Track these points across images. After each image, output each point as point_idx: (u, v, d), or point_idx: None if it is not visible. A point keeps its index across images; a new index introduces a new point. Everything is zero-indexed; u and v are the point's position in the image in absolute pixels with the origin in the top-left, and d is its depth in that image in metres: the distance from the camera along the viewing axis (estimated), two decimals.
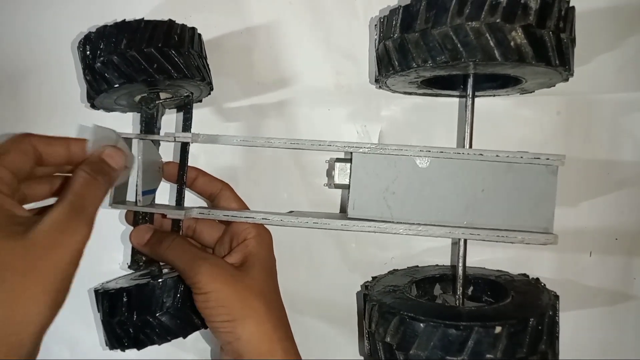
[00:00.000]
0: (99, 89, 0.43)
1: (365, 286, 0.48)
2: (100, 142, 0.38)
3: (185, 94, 0.48)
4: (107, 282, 0.48)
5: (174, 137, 0.44)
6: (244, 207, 0.47)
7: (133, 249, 0.45)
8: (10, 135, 0.35)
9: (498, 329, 0.37)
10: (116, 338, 0.44)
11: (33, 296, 0.28)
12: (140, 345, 0.44)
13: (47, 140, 0.36)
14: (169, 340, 0.45)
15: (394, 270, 0.52)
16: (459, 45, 0.37)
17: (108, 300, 0.44)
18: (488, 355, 0.37)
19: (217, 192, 0.47)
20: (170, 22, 0.44)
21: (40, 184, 0.39)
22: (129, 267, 0.45)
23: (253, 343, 0.38)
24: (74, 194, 0.33)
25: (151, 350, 0.46)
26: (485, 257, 0.52)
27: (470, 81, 0.44)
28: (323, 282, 0.53)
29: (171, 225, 0.46)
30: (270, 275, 0.43)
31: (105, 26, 0.43)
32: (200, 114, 0.52)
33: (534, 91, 0.49)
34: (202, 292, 0.39)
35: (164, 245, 0.42)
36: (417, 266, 0.52)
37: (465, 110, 0.45)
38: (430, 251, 0.53)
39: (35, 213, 0.33)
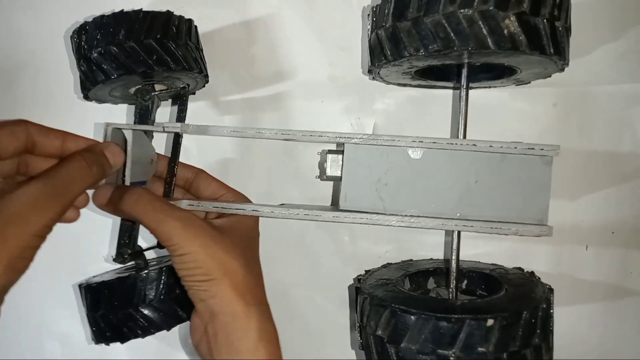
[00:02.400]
0: (95, 80, 0.43)
1: (358, 279, 0.47)
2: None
3: (181, 86, 0.47)
4: (94, 277, 0.48)
5: (163, 127, 0.44)
6: (223, 186, 0.47)
7: (119, 241, 0.44)
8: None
9: (490, 322, 0.36)
10: (100, 332, 0.44)
11: None
12: (123, 339, 0.43)
13: (44, 130, 0.37)
14: (153, 333, 0.44)
15: (388, 264, 0.51)
16: (451, 33, 0.36)
17: (91, 294, 0.44)
18: (480, 348, 0.36)
19: (193, 177, 0.47)
20: (169, 14, 0.44)
21: None
22: (114, 260, 0.44)
23: (228, 302, 0.37)
24: (59, 174, 0.35)
25: (142, 344, 0.45)
26: (480, 250, 0.51)
27: (464, 71, 0.43)
28: (316, 276, 0.53)
29: None
30: (251, 243, 0.43)
31: (102, 16, 0.42)
32: (194, 107, 0.52)
33: (529, 82, 0.48)
34: (178, 255, 0.37)
35: (126, 200, 0.39)
36: (411, 260, 0.52)
37: (460, 101, 0.44)
38: (424, 245, 0.52)
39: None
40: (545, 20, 0.37)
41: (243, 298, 0.37)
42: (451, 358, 0.37)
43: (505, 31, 0.36)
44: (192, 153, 0.52)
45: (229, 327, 0.37)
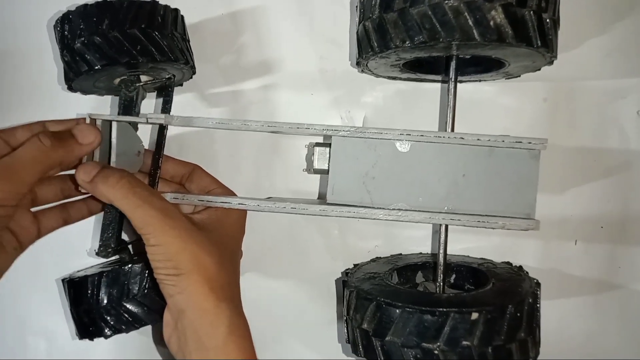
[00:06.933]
0: (78, 71, 0.42)
1: (346, 273, 0.47)
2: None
3: (167, 77, 0.46)
4: (77, 271, 0.48)
5: (147, 119, 0.43)
6: (215, 182, 0.46)
7: (102, 234, 0.43)
8: None
9: (475, 315, 0.36)
10: (83, 327, 0.43)
11: None
12: (106, 334, 0.43)
13: (55, 121, 0.42)
14: (137, 328, 0.43)
15: (377, 258, 0.51)
16: (437, 24, 0.36)
17: (74, 289, 0.43)
18: (464, 342, 0.36)
19: (189, 173, 0.46)
20: (154, 3, 0.43)
21: (50, 185, 0.44)
22: (97, 253, 0.43)
23: (196, 298, 0.37)
24: (13, 154, 0.37)
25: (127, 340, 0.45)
26: (469, 245, 0.51)
27: (452, 64, 0.43)
28: (305, 270, 0.52)
29: None
30: (231, 241, 0.42)
31: (85, 5, 0.42)
32: (179, 100, 0.51)
33: (519, 75, 0.48)
34: (151, 245, 0.37)
35: (110, 180, 0.38)
36: (400, 254, 0.52)
37: (448, 94, 0.44)
38: (414, 239, 0.52)
39: None
40: (532, 12, 0.36)
41: (214, 294, 0.37)
42: (436, 351, 0.36)
43: (492, 22, 0.35)
44: (178, 146, 0.52)
45: (197, 323, 0.37)
